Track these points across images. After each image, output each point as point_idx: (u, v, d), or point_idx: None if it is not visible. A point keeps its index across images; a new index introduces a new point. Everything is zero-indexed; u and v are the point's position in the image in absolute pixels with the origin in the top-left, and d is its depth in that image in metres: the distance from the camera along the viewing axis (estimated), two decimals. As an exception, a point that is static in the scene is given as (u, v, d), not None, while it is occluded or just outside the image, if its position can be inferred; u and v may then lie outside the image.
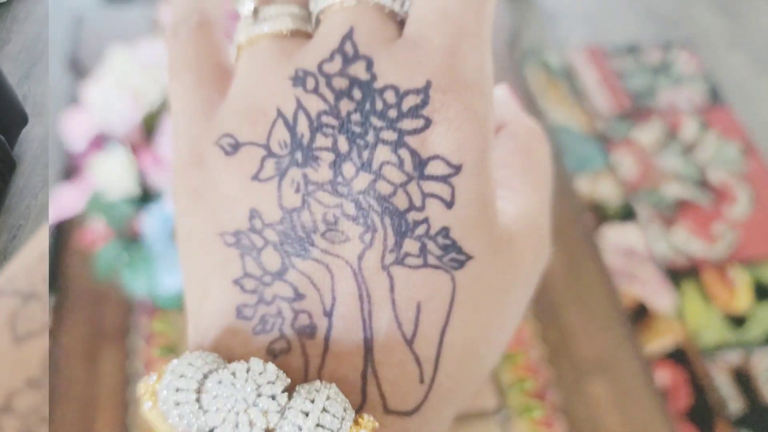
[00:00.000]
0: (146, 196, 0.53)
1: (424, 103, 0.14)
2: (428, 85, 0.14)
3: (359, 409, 0.14)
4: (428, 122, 0.14)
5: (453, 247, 0.15)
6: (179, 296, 0.56)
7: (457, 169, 0.14)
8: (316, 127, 0.15)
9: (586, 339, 0.73)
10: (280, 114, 0.15)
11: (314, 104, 0.15)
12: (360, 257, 0.14)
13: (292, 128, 0.15)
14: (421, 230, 0.14)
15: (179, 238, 0.16)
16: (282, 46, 0.16)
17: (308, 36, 0.16)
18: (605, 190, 1.52)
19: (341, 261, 0.14)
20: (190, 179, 0.16)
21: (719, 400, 1.21)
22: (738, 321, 1.32)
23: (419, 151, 0.14)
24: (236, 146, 0.15)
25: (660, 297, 1.34)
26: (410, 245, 0.14)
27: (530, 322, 0.73)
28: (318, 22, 0.16)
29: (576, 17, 1.93)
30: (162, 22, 0.63)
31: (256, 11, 0.16)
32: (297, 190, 0.15)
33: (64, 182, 0.80)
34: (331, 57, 0.15)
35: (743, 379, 1.24)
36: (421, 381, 0.14)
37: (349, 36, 0.15)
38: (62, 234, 0.78)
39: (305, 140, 0.15)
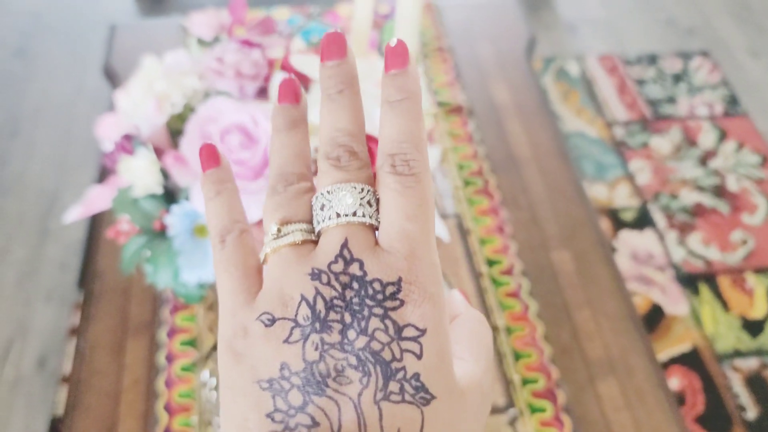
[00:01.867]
0: (169, 194, 0.56)
1: (399, 290, 0.21)
2: (400, 279, 0.21)
3: None
4: (402, 302, 0.21)
5: (422, 388, 0.20)
6: (199, 291, 0.59)
7: (423, 332, 0.21)
8: (329, 307, 0.21)
9: (597, 340, 0.74)
10: (303, 298, 0.21)
11: (328, 292, 0.21)
12: (359, 395, 0.20)
13: (312, 307, 0.21)
14: (400, 375, 0.20)
15: (222, 387, 0.22)
16: (297, 251, 0.23)
17: (314, 243, 0.23)
18: (623, 197, 1.52)
19: (346, 398, 0.20)
20: (234, 346, 0.22)
21: (735, 406, 1.21)
22: (755, 328, 1.31)
23: (398, 321, 0.21)
24: (273, 320, 0.21)
25: (677, 303, 1.34)
26: (393, 386, 0.20)
27: (541, 323, 0.74)
28: (320, 234, 0.23)
29: (595, 26, 1.94)
30: (191, 31, 0.66)
31: (279, 230, 0.23)
32: (316, 349, 0.20)
33: (99, 181, 0.83)
34: (336, 260, 0.22)
35: (759, 385, 1.24)
36: None
37: (345, 245, 0.22)
38: (94, 230, 0.81)
39: (322, 315, 0.21)
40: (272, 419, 0.20)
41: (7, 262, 1.41)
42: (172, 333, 0.72)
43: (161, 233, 0.57)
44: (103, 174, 0.83)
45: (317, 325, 0.21)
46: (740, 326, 1.31)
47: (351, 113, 0.24)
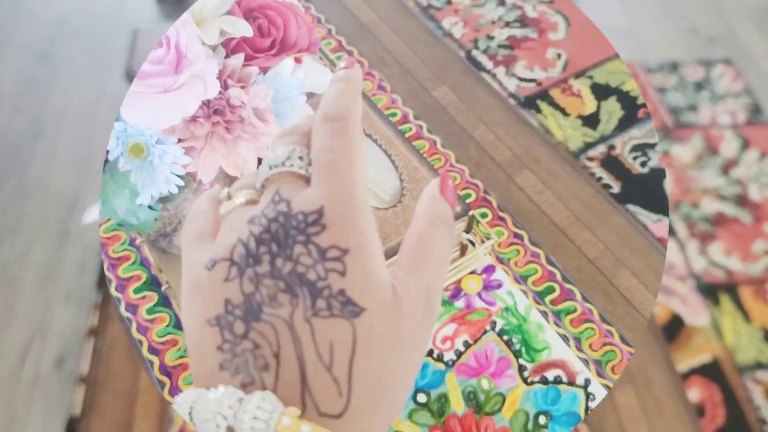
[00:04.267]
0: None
1: (321, 217, 0.23)
2: (322, 207, 0.23)
3: (301, 415, 0.21)
4: (324, 227, 0.23)
5: (349, 302, 0.22)
6: (153, 214, 0.56)
7: (345, 251, 0.23)
8: (259, 242, 0.23)
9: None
10: (239, 240, 0.24)
11: (257, 229, 0.23)
12: (291, 315, 0.22)
13: (246, 245, 0.23)
14: (326, 293, 0.22)
15: (184, 328, 0.25)
16: (243, 209, 0.25)
17: (257, 202, 0.26)
18: (643, 206, 1.51)
19: (280, 319, 0.22)
20: (188, 295, 0.24)
21: (755, 419, 1.19)
22: (777, 340, 1.29)
23: (320, 244, 0.23)
24: (214, 263, 0.24)
25: (697, 313, 1.33)
26: (321, 303, 0.22)
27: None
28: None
29: (616, 33, 1.92)
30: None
31: (229, 195, 0.27)
32: (252, 281, 0.23)
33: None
34: (268, 205, 0.24)
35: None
36: (340, 395, 0.21)
37: (277, 191, 0.24)
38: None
39: (254, 251, 0.23)
40: (221, 350, 0.22)
41: (27, 264, 1.43)
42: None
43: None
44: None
45: (251, 260, 0.23)
46: (762, 338, 1.29)
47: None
